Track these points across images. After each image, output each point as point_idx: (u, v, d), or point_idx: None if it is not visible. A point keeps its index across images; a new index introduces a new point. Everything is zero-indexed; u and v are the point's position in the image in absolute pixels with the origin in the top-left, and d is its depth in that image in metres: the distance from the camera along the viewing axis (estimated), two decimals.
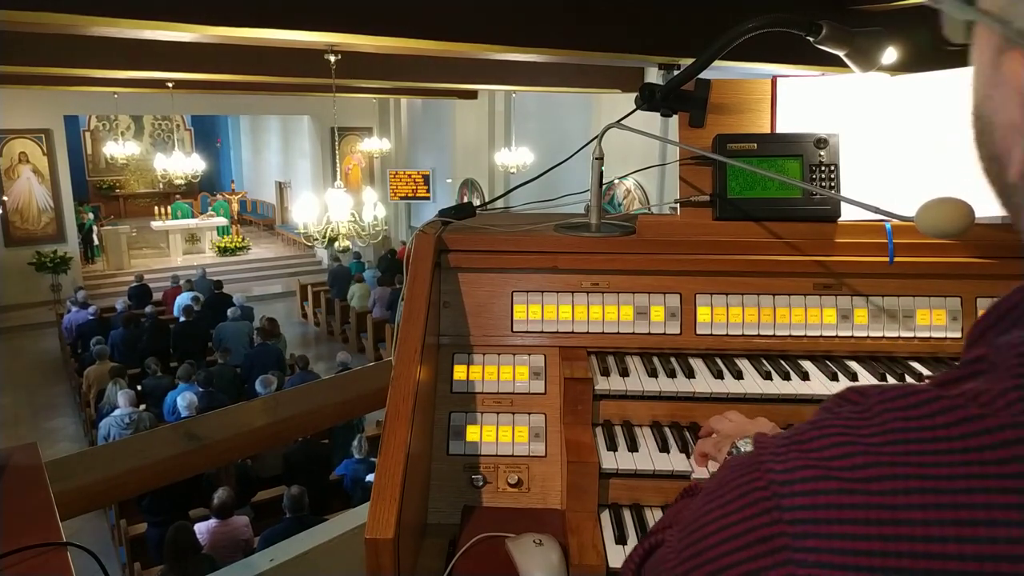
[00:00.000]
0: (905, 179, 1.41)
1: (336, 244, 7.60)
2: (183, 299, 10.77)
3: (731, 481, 0.47)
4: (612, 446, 1.27)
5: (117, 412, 6.64)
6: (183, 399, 6.77)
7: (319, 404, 2.49)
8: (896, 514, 0.38)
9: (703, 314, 1.45)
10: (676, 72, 1.99)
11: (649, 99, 1.34)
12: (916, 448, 0.39)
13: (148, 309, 10.70)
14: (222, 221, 17.57)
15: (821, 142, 1.41)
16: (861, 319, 1.44)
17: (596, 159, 1.46)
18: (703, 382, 1.36)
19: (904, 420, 0.41)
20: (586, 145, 1.52)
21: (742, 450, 1.09)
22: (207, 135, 21.41)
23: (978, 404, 0.39)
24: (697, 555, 0.48)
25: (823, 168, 1.41)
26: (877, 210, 1.13)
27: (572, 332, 1.45)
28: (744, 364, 1.41)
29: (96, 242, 16.11)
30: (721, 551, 0.45)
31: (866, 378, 1.38)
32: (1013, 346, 0.41)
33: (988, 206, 1.36)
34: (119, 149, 15.25)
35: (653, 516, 1.22)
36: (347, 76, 6.85)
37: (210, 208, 18.58)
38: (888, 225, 1.41)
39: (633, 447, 1.28)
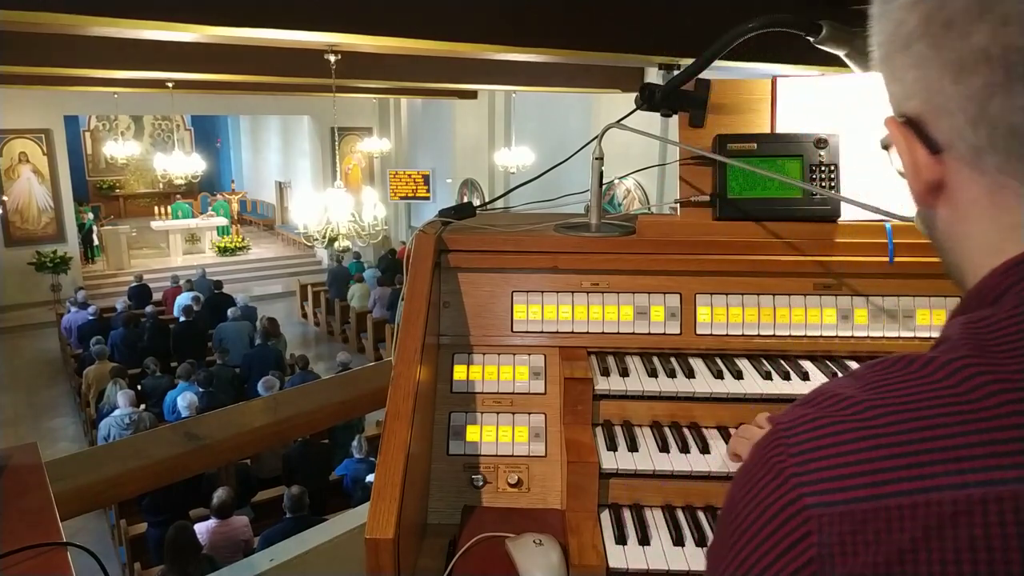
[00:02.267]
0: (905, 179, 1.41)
1: (336, 244, 7.60)
2: (183, 299, 10.77)
3: (754, 448, 0.53)
4: (612, 446, 1.27)
5: (117, 412, 6.64)
6: (183, 399, 6.78)
7: (319, 404, 2.49)
8: (890, 438, 0.45)
9: (703, 314, 1.45)
10: (676, 72, 1.99)
11: (649, 99, 1.34)
12: (900, 387, 0.47)
13: (148, 309, 10.70)
14: (222, 221, 17.57)
15: (821, 142, 1.41)
16: (861, 319, 1.44)
17: (596, 159, 1.46)
18: (703, 382, 1.36)
19: (887, 371, 0.49)
20: (586, 145, 1.52)
21: None
22: (207, 135, 21.41)
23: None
24: (729, 518, 0.53)
25: (823, 168, 1.41)
26: (877, 210, 1.13)
27: (572, 332, 1.45)
28: (744, 364, 1.41)
29: (96, 242, 16.11)
30: (745, 511, 0.51)
31: None
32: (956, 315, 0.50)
33: None
34: (119, 149, 15.26)
35: (653, 516, 1.22)
36: (347, 76, 6.85)
37: (210, 208, 18.59)
38: (888, 225, 1.41)
39: (633, 447, 1.28)
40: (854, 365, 1.41)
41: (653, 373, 1.38)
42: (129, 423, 6.46)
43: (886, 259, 1.40)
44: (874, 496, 0.44)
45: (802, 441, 0.48)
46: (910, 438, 0.44)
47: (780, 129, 1.46)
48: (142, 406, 7.35)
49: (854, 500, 0.44)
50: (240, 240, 17.30)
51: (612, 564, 1.11)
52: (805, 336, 1.44)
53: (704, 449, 1.27)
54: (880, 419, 0.45)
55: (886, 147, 0.61)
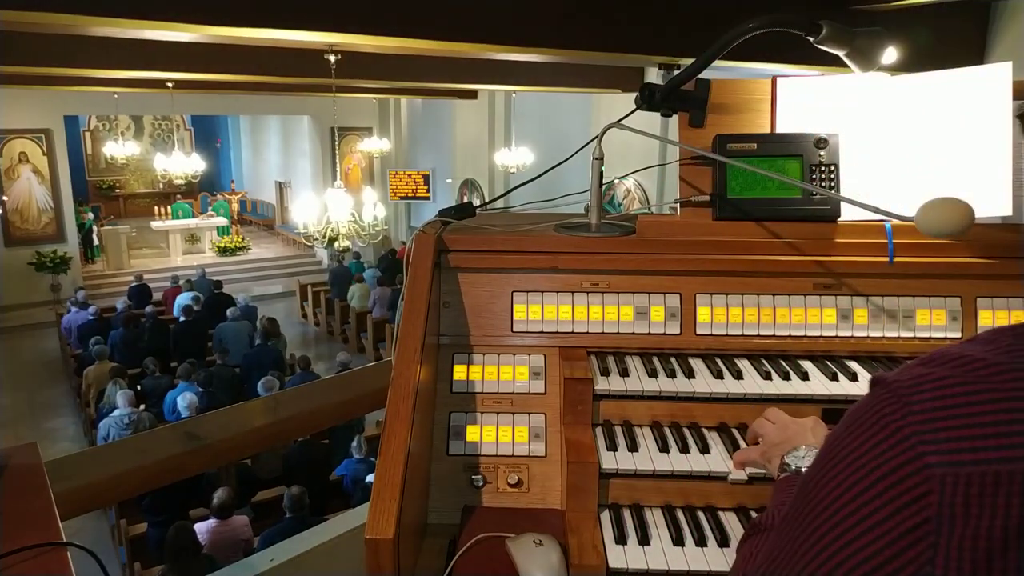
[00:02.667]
0: (905, 179, 1.41)
1: (336, 244, 7.60)
2: (183, 299, 10.77)
3: (859, 408, 0.51)
4: (612, 446, 1.27)
5: (117, 412, 6.63)
6: (183, 399, 6.78)
7: (319, 404, 2.49)
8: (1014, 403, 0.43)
9: (703, 314, 1.45)
10: (676, 72, 1.99)
11: (649, 99, 1.34)
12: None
13: (148, 309, 10.71)
14: (222, 221, 17.57)
15: (821, 142, 1.41)
16: (861, 319, 1.44)
17: (596, 159, 1.46)
18: (703, 382, 1.36)
19: (1020, 336, 0.47)
20: (586, 145, 1.52)
21: (793, 467, 1.04)
22: (207, 135, 21.40)
23: None
24: (828, 477, 0.50)
25: (823, 168, 1.41)
26: (877, 210, 1.13)
27: (572, 332, 1.45)
28: (744, 364, 1.41)
29: (96, 242, 16.12)
30: (851, 468, 0.49)
31: (866, 378, 1.38)
32: None
33: (988, 206, 1.36)
34: (119, 149, 15.27)
35: (653, 516, 1.22)
36: (347, 76, 6.85)
37: (210, 208, 18.59)
38: (888, 225, 1.41)
39: (633, 447, 1.28)
40: (854, 365, 1.41)
41: (653, 373, 1.38)
42: (129, 423, 6.46)
43: (886, 259, 1.40)
44: (1009, 459, 0.42)
45: (926, 400, 0.46)
46: None
47: (780, 129, 1.46)
48: (142, 406, 7.35)
49: (985, 462, 0.43)
50: (240, 240, 17.30)
51: (612, 564, 1.11)
52: (805, 336, 1.44)
53: (704, 449, 1.27)
54: (1020, 383, 0.44)
55: (1022, 116, 0.61)
